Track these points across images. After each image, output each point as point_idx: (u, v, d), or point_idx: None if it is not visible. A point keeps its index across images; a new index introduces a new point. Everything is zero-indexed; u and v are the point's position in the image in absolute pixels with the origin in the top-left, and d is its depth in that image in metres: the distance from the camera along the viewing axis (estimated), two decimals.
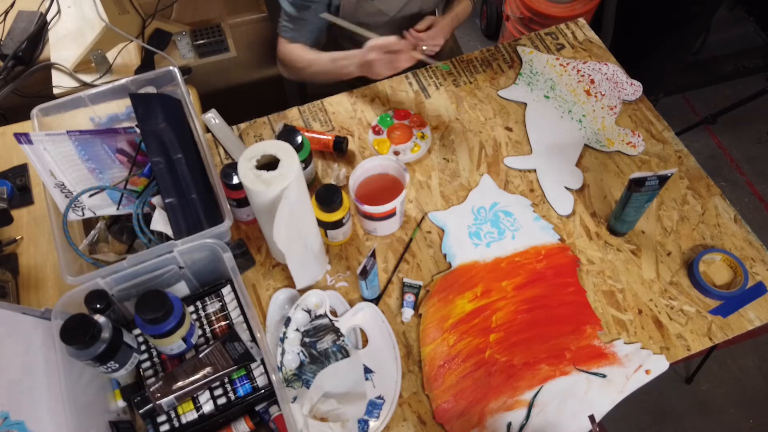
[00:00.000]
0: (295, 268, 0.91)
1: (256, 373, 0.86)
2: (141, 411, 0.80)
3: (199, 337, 0.90)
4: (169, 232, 0.91)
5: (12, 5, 1.46)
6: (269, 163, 0.79)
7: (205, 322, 0.91)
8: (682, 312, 0.97)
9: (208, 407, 0.83)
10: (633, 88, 1.21)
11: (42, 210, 1.10)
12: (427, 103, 1.21)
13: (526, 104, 1.20)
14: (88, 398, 0.80)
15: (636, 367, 0.92)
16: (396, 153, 1.13)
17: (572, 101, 1.20)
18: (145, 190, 0.96)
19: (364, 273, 0.88)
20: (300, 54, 1.22)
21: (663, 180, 0.92)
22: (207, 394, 0.84)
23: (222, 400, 0.84)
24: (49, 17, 1.45)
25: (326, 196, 0.92)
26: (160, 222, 0.92)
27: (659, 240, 1.04)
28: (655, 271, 1.01)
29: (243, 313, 0.91)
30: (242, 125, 1.19)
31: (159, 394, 0.81)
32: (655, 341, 0.95)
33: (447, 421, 0.88)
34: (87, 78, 1.38)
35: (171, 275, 0.89)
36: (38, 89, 1.40)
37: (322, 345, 0.91)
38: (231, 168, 0.95)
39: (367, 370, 0.91)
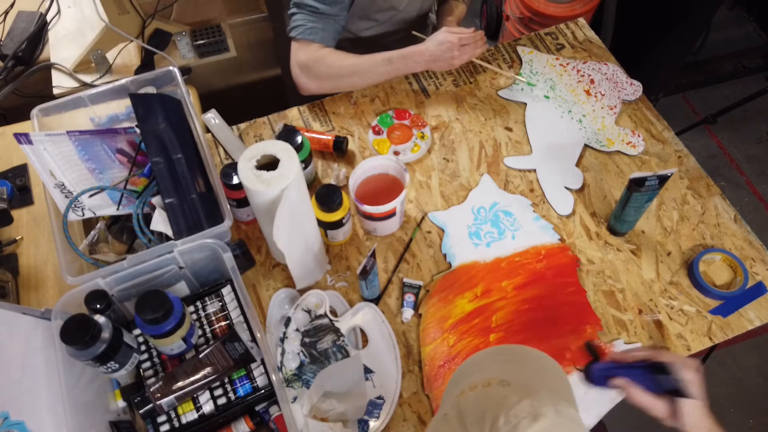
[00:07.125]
0: (295, 268, 0.91)
1: (256, 373, 0.86)
2: (141, 411, 0.80)
3: (199, 337, 0.90)
4: (169, 232, 0.91)
5: (12, 5, 1.46)
6: (269, 163, 0.79)
7: (205, 322, 0.91)
8: (682, 312, 0.97)
9: (208, 407, 0.83)
10: (633, 88, 1.21)
11: (42, 210, 1.10)
12: (427, 103, 1.21)
13: (526, 104, 1.20)
14: (88, 398, 0.80)
15: None
16: (396, 153, 1.13)
17: (572, 101, 1.20)
18: (145, 190, 0.96)
19: (364, 273, 0.88)
20: (336, 60, 1.10)
21: (663, 180, 0.92)
22: (207, 394, 0.84)
23: (222, 400, 0.84)
24: (49, 17, 1.45)
25: (326, 196, 0.92)
26: (160, 222, 0.92)
27: (659, 240, 1.04)
28: (655, 271, 1.01)
29: (243, 313, 0.91)
30: (242, 125, 1.19)
31: (159, 394, 0.81)
32: (655, 341, 0.95)
33: None
34: (87, 78, 1.38)
35: (171, 275, 0.89)
36: (38, 89, 1.40)
37: (322, 345, 0.91)
38: (231, 168, 0.95)
39: (367, 370, 0.91)
